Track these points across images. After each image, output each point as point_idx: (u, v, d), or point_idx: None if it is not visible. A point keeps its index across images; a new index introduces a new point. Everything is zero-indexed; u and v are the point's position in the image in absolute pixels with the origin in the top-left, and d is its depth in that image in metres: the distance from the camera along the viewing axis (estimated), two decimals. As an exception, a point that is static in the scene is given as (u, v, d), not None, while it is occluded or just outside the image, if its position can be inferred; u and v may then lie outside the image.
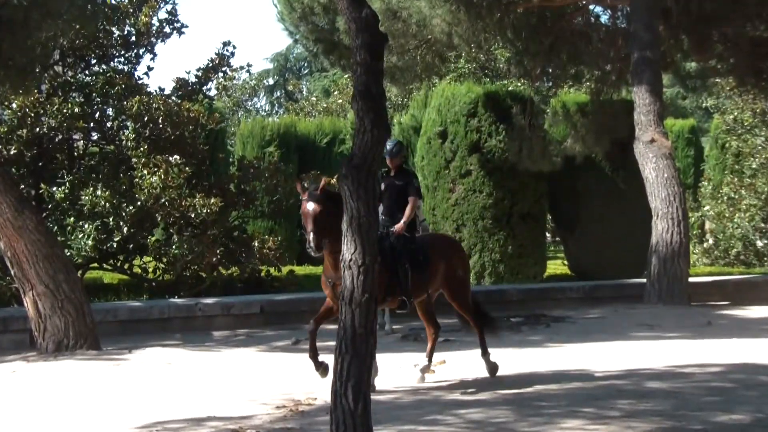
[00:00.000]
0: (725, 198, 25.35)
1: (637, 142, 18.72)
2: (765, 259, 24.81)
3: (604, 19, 23.90)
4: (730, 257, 25.10)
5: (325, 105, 40.10)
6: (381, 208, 10.34)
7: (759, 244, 24.75)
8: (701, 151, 32.66)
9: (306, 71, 67.70)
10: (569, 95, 24.18)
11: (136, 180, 17.65)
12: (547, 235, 26.70)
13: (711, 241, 25.85)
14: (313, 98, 45.52)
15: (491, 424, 8.73)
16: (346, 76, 33.32)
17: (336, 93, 40.61)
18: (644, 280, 18.82)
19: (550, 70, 23.20)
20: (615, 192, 22.15)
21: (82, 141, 19.74)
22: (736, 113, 27.06)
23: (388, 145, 10.30)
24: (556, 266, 24.95)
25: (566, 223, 23.21)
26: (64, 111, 18.34)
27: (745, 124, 26.49)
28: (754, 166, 25.55)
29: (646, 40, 18.85)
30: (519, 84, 25.11)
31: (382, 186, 10.72)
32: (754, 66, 21.69)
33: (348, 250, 7.72)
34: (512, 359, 12.42)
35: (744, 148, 26.36)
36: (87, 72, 20.52)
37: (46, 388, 11.51)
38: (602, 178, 22.27)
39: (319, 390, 9.77)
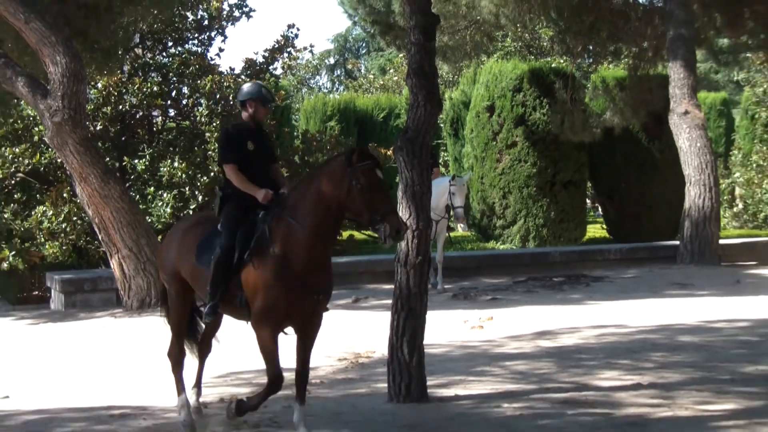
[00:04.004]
0: (754, 165, 25.01)
1: (671, 114, 18.52)
2: (791, 222, 24.51)
3: (641, -2, 23.60)
4: (758, 220, 24.79)
5: (381, 82, 40.00)
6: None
7: (786, 208, 24.44)
8: (732, 121, 32.21)
9: (364, 51, 67.53)
10: (608, 71, 23.94)
11: (210, 153, 17.81)
12: (587, 201, 26.51)
13: (740, 206, 25.53)
14: (371, 76, 45.41)
15: (535, 374, 8.77)
16: (401, 55, 33.19)
17: (392, 71, 40.49)
18: (678, 242, 18.68)
19: (591, 48, 22.99)
20: (651, 161, 21.93)
21: (160, 117, 19.97)
22: (765, 86, 26.63)
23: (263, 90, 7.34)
24: (596, 230, 24.79)
25: (605, 190, 23.03)
26: (144, 90, 18.56)
27: (774, 96, 26.11)
28: (781, 136, 25.20)
29: (681, 18, 18.60)
30: (561, 61, 24.88)
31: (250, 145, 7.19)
32: (784, 41, 21.33)
33: (403, 216, 7.76)
34: (554, 315, 12.43)
35: (773, 118, 25.98)
36: (164, 54, 20.71)
37: (133, 340, 11.73)
38: (639, 148, 22.03)
39: (377, 344, 9.86)
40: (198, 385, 7.62)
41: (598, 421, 6.98)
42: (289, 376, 6.88)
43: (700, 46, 21.68)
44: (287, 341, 6.86)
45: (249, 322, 6.80)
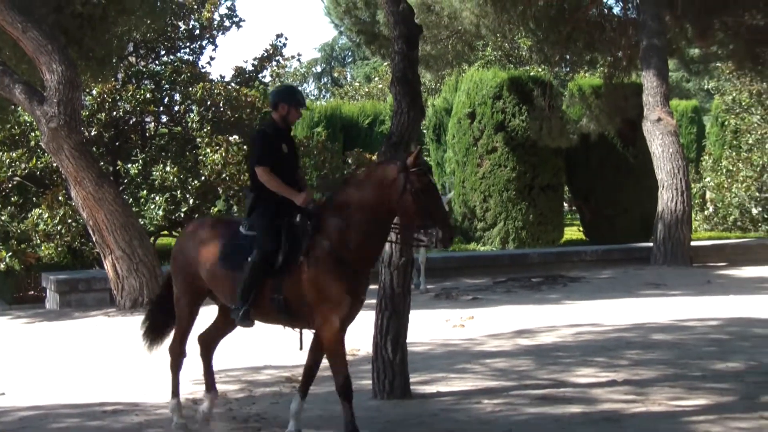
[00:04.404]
0: (724, 170, 25.10)
1: (645, 121, 18.56)
2: (759, 224, 24.56)
3: (616, 10, 23.77)
4: (728, 223, 24.88)
5: (366, 90, 39.97)
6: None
7: (754, 211, 24.49)
8: (703, 128, 32.33)
9: (350, 59, 67.51)
10: (585, 79, 24.00)
11: (200, 157, 17.77)
12: (565, 204, 26.55)
13: (711, 209, 25.61)
14: (356, 84, 45.39)
15: (514, 372, 8.76)
16: (386, 63, 33.18)
17: (376, 79, 40.49)
18: (651, 244, 18.72)
19: (568, 57, 23.05)
20: (625, 166, 22.00)
21: (153, 123, 19.92)
22: (734, 94, 26.74)
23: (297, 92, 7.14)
24: (573, 232, 24.84)
25: (581, 193, 23.09)
26: (138, 97, 18.50)
27: (743, 103, 26.17)
28: (750, 142, 25.26)
29: (654, 29, 18.65)
30: (540, 69, 24.92)
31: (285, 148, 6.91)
32: (752, 51, 21.40)
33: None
34: (533, 315, 12.43)
35: (741, 125, 26.07)
36: (157, 62, 20.68)
37: (125, 339, 11.66)
38: (614, 154, 22.11)
39: (362, 342, 9.84)
40: (212, 387, 7.16)
41: (575, 416, 6.98)
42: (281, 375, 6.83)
43: (672, 55, 21.78)
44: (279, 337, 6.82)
45: (285, 326, 6.66)
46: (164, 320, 7.35)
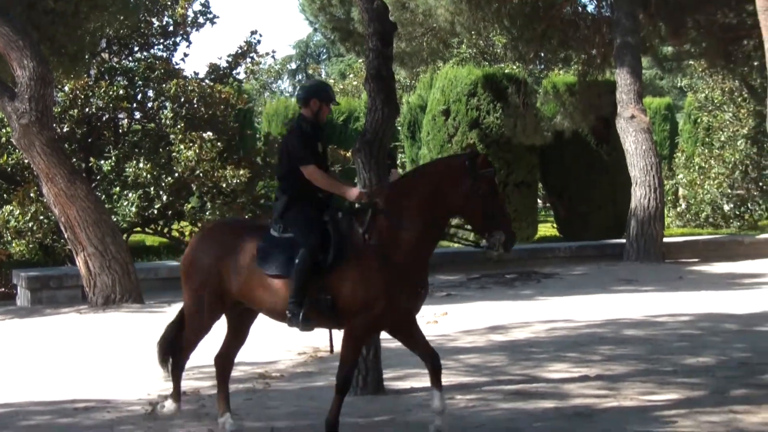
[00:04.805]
0: (696, 167, 25.24)
1: (618, 118, 18.65)
2: (731, 221, 24.73)
3: (590, 8, 23.80)
4: (700, 220, 25.02)
5: (341, 86, 39.95)
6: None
7: (726, 208, 24.64)
8: (676, 125, 32.54)
9: (324, 56, 67.51)
10: (559, 77, 24.06)
11: (174, 154, 17.71)
12: (539, 201, 26.63)
13: (683, 206, 25.75)
14: (331, 80, 45.37)
15: (487, 367, 8.80)
16: (360, 60, 33.16)
17: (351, 76, 40.49)
18: (624, 241, 18.81)
19: (542, 55, 23.09)
20: (599, 163, 22.07)
21: (126, 120, 19.84)
22: (707, 92, 26.88)
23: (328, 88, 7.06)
24: (547, 229, 24.92)
25: (555, 190, 23.16)
26: (111, 93, 18.41)
27: (715, 101, 26.31)
28: (722, 139, 25.38)
29: (628, 27, 18.74)
30: (514, 67, 24.97)
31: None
32: (724, 49, 21.54)
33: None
34: (506, 311, 12.47)
35: (714, 123, 26.19)
36: (130, 58, 20.58)
37: (97, 336, 11.62)
38: (587, 151, 22.17)
39: (336, 339, 9.82)
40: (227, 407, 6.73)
41: (547, 411, 7.01)
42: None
43: (645, 53, 21.89)
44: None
45: (331, 329, 6.51)
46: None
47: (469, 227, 6.43)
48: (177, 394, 6.90)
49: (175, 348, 6.88)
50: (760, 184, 23.68)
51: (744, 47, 22.28)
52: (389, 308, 6.14)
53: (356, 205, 6.45)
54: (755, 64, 22.20)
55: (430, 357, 6.44)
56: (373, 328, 6.33)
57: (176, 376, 6.92)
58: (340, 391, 6.25)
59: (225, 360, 6.85)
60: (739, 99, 25.18)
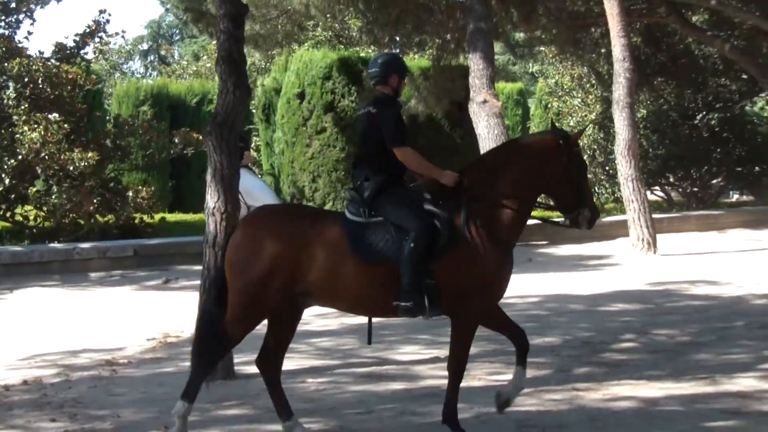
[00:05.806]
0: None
1: (471, 103, 18.94)
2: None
3: (444, -7, 24.05)
4: (549, 202, 25.78)
5: (195, 68, 39.31)
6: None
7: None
8: (528, 110, 33.35)
9: (177, 37, 66.31)
10: (414, 61, 24.32)
11: (18, 136, 17.12)
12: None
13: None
14: (184, 62, 44.61)
15: (339, 351, 8.88)
16: (214, 42, 32.74)
17: (205, 57, 39.83)
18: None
19: (397, 39, 23.33)
20: (452, 146, 22.39)
21: (-35, 99, 19.01)
22: (557, 78, 27.64)
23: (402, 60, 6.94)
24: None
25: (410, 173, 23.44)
26: (-53, 71, 17.64)
27: (565, 87, 27.08)
28: (571, 124, 26.00)
29: (481, 13, 19.01)
30: (369, 51, 25.11)
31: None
32: (573, 37, 22.21)
33: (212, 199, 7.73)
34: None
35: (564, 108, 26.94)
36: (-31, 35, 19.72)
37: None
38: (441, 135, 22.49)
39: (186, 324, 9.73)
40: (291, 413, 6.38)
41: (398, 392, 7.12)
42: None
43: (498, 39, 22.34)
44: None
45: (427, 317, 6.19)
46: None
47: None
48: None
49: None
50: (607, 168, 24.47)
51: (591, 34, 23.04)
52: (503, 289, 6.16)
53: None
54: (602, 51, 22.99)
55: (519, 336, 6.41)
56: (487, 311, 6.24)
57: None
58: (460, 380, 6.24)
59: (270, 363, 6.54)
60: (588, 85, 26.00)
